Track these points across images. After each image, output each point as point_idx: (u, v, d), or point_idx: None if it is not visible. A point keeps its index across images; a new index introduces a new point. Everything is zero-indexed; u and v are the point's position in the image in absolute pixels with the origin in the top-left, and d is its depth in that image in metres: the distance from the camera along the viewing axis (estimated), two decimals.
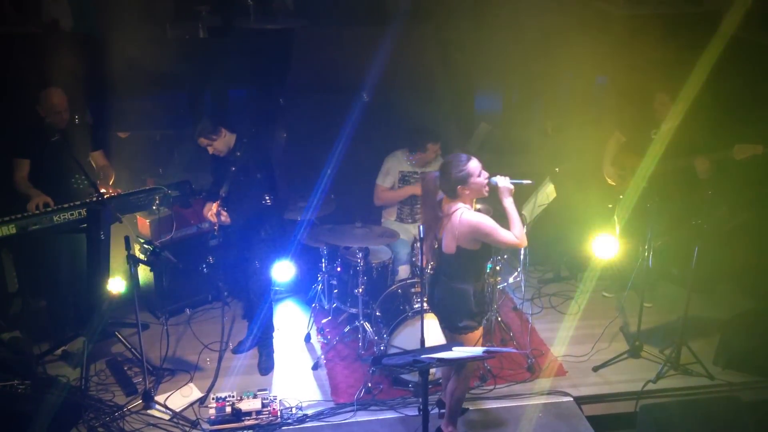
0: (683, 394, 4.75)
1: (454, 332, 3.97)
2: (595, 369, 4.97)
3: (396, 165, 5.43)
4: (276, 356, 5.01)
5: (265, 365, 4.90)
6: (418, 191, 5.10)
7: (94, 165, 5.02)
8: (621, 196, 5.28)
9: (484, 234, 3.77)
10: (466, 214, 3.78)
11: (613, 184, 5.49)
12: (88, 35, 6.73)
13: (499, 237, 3.78)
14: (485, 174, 3.83)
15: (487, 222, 3.77)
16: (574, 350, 5.14)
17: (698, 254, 4.65)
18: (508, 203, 3.83)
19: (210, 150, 4.62)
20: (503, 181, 3.83)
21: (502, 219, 3.87)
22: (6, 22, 6.54)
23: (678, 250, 5.33)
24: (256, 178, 4.63)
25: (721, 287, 5.81)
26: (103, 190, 4.63)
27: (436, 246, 4.01)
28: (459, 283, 3.90)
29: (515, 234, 3.80)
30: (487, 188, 3.85)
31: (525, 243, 3.88)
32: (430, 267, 4.61)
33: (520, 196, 5.24)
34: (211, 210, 4.72)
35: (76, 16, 6.74)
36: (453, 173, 3.78)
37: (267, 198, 4.67)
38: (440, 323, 4.11)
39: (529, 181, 3.97)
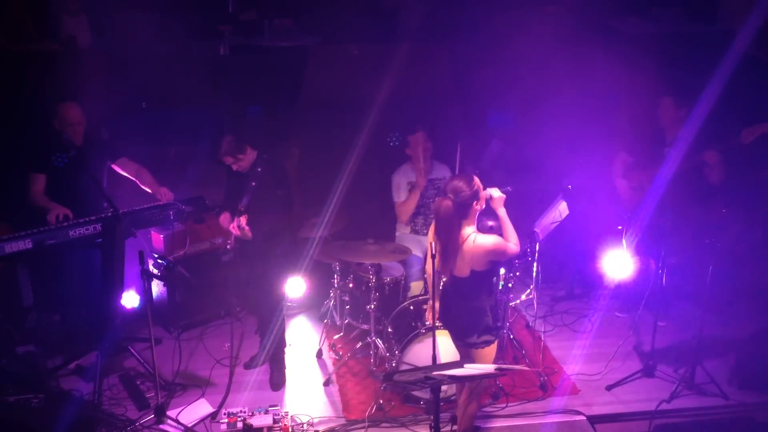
0: (698, 414, 4.70)
1: (470, 348, 3.98)
2: (609, 388, 4.94)
3: (403, 177, 5.48)
4: (287, 372, 5.01)
5: (277, 381, 4.90)
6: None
7: (125, 173, 5.06)
8: (629, 214, 5.25)
9: (501, 253, 3.88)
10: (479, 239, 3.84)
11: (625, 199, 5.47)
12: (105, 52, 6.83)
13: (509, 252, 3.92)
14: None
15: (499, 242, 3.87)
16: (588, 368, 5.10)
17: (713, 273, 4.62)
18: (503, 212, 3.96)
19: (234, 167, 4.65)
20: (497, 192, 3.95)
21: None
22: (25, 39, 6.65)
23: (692, 268, 5.29)
24: (276, 194, 4.66)
25: (736, 306, 5.75)
26: (163, 190, 4.88)
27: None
28: (474, 301, 3.94)
29: (514, 242, 3.94)
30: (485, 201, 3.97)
31: (519, 248, 4.01)
32: (441, 283, 4.61)
33: (532, 213, 5.25)
34: (238, 222, 4.62)
35: (95, 33, 6.84)
36: (467, 191, 3.82)
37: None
38: (456, 340, 4.10)
39: (509, 188, 4.07)
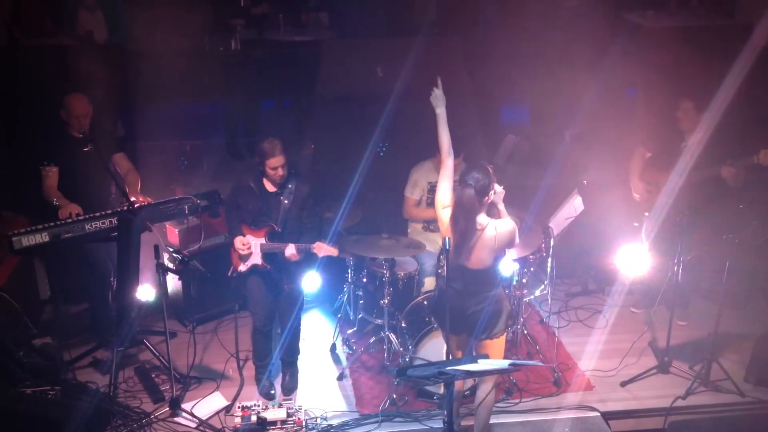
0: (713, 411, 4.67)
1: (491, 339, 4.02)
2: (624, 384, 4.92)
3: (424, 176, 5.41)
4: (301, 366, 5.02)
5: (289, 386, 4.86)
6: None
7: (118, 169, 5.05)
8: (646, 213, 5.21)
9: (517, 236, 4.00)
10: (500, 226, 3.93)
11: (639, 199, 5.41)
12: (121, 47, 6.85)
13: (518, 235, 4.06)
14: None
15: (514, 224, 4.00)
16: (602, 365, 5.08)
17: (730, 269, 4.59)
18: (502, 206, 4.09)
19: (278, 179, 4.47)
20: (498, 187, 4.04)
21: None
22: (41, 34, 6.69)
23: (709, 264, 5.25)
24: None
25: (752, 303, 5.71)
26: (133, 198, 4.67)
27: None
28: (495, 289, 4.01)
29: None
30: None
31: None
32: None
33: (547, 208, 5.23)
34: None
35: (111, 28, 6.87)
36: (485, 179, 3.89)
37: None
38: (477, 334, 4.04)
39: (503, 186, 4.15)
